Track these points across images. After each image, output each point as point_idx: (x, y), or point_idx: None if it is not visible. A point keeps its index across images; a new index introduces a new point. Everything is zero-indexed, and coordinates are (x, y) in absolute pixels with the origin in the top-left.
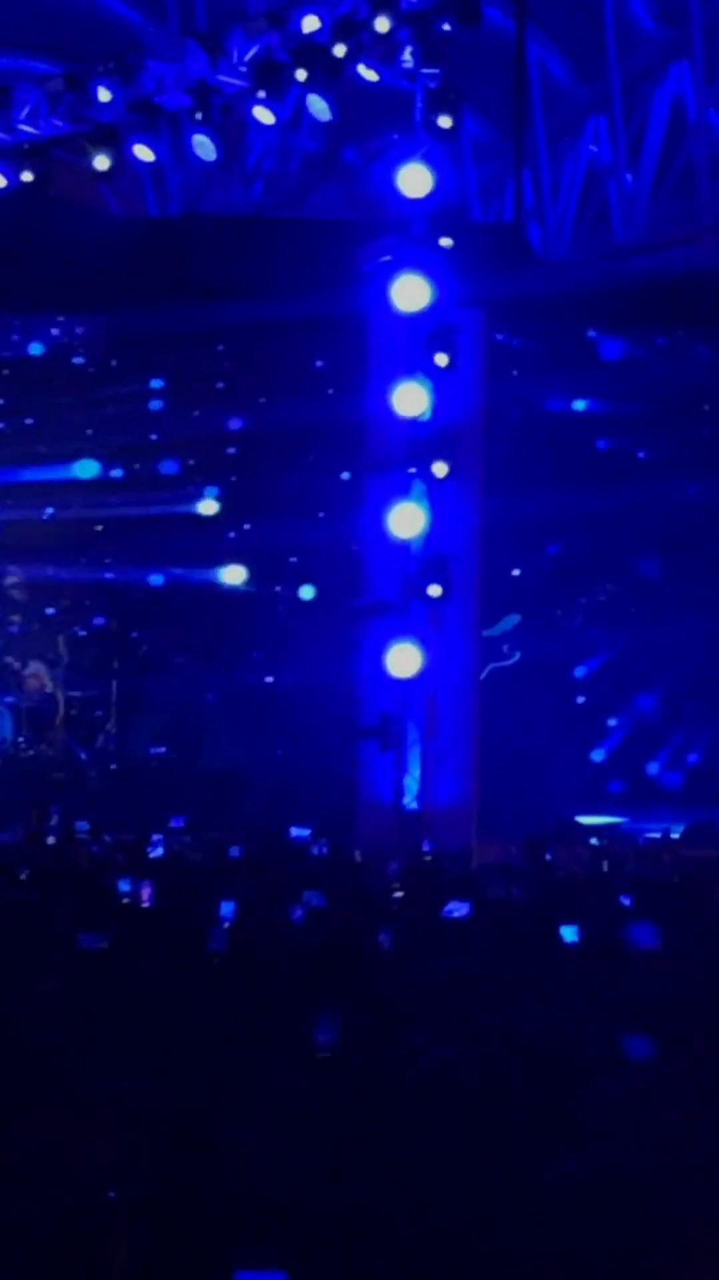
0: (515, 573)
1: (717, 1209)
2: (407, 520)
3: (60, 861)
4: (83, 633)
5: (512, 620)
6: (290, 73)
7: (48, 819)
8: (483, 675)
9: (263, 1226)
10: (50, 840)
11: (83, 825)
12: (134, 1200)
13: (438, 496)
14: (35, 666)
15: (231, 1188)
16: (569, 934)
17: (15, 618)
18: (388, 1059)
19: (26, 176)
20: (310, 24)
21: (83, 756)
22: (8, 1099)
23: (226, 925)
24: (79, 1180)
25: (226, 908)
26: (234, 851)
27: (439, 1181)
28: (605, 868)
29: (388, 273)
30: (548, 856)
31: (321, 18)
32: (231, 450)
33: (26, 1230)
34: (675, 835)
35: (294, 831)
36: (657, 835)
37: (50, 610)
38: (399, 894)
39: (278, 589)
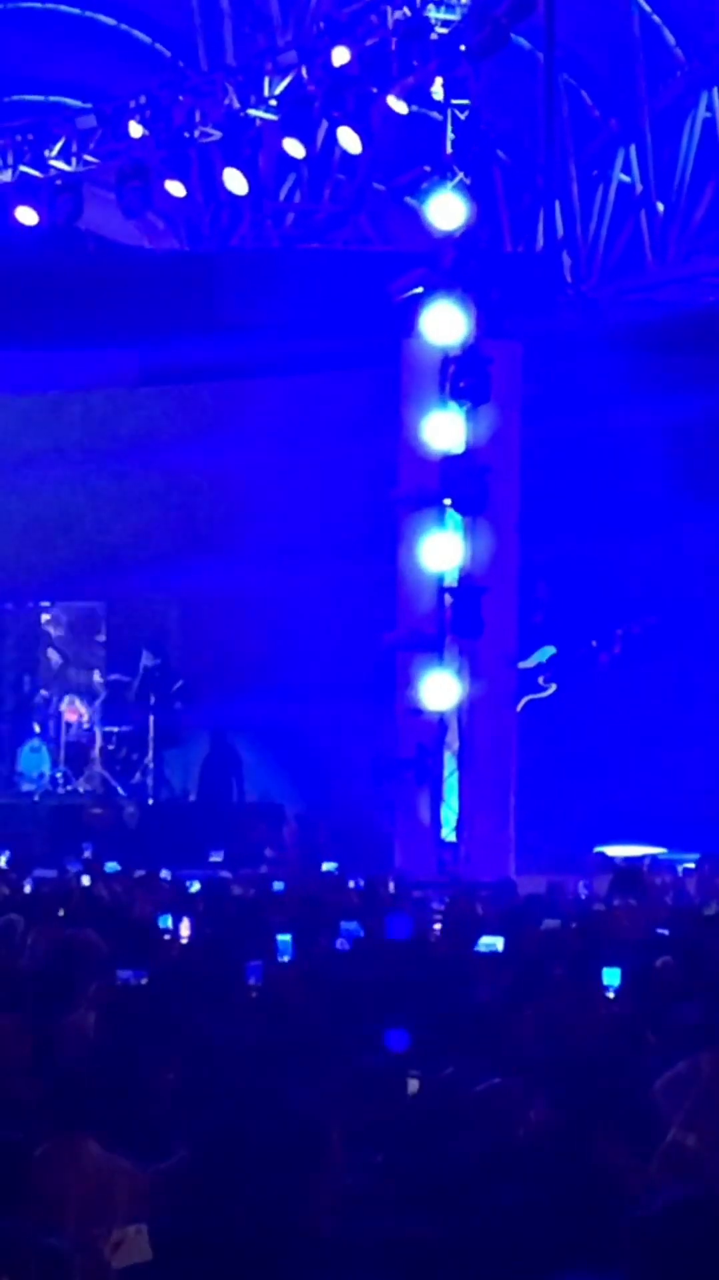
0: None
1: None
2: (440, 553)
3: (89, 898)
4: (120, 670)
5: (547, 652)
6: (320, 106)
7: (80, 855)
8: (519, 707)
9: (307, 1253)
10: (81, 877)
11: (113, 863)
12: (180, 1226)
13: (473, 529)
14: (72, 701)
15: (276, 1217)
16: (612, 978)
17: (53, 653)
18: (430, 1088)
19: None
20: (340, 57)
21: (121, 792)
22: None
23: (285, 959)
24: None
25: (282, 940)
26: (278, 886)
27: (481, 1207)
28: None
29: (419, 305)
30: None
31: (351, 50)
32: (265, 483)
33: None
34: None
35: (323, 866)
36: (692, 865)
37: (87, 645)
38: (439, 926)
39: (314, 622)
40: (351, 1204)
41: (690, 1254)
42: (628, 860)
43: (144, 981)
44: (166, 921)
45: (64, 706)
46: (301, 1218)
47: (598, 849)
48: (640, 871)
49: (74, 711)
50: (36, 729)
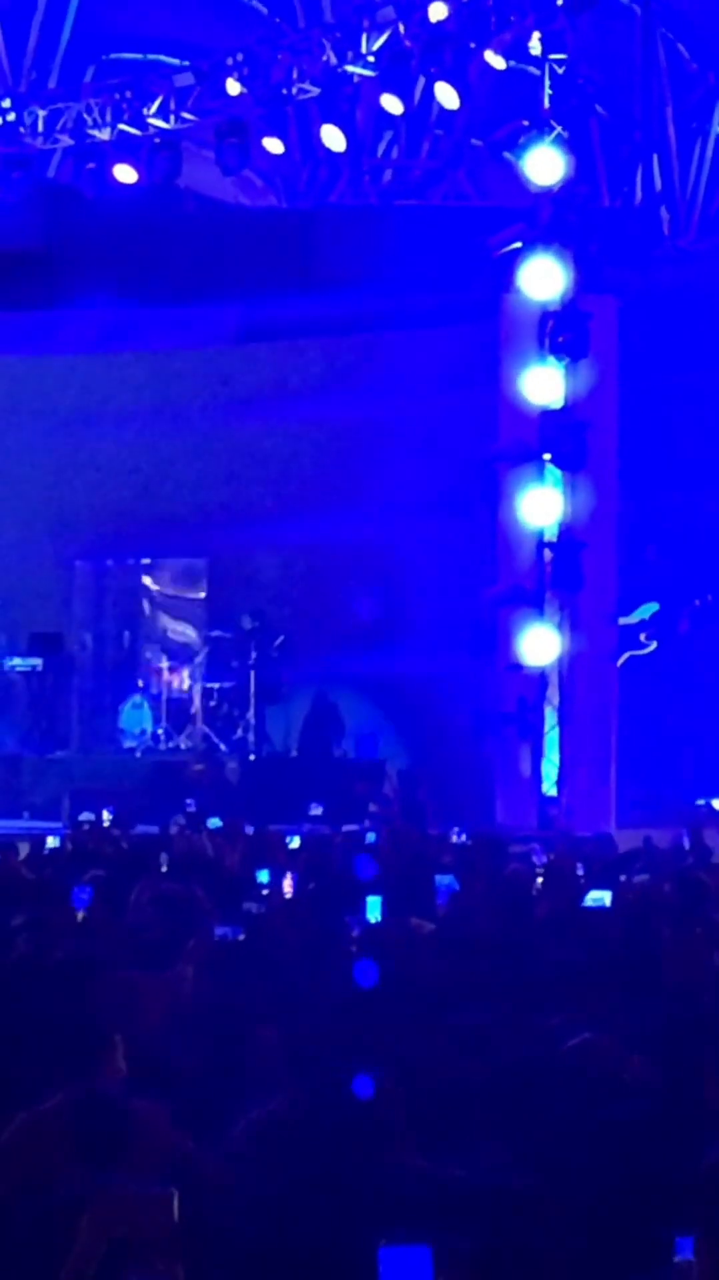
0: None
1: None
2: (540, 508)
3: (191, 853)
4: (220, 626)
5: (649, 608)
6: (418, 62)
7: (183, 811)
8: (619, 663)
9: (402, 1206)
10: (183, 832)
11: (214, 819)
12: (276, 1179)
13: (573, 484)
14: (168, 662)
15: (373, 1167)
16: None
17: (159, 613)
18: (528, 1042)
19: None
20: (437, 12)
21: (222, 748)
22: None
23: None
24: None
25: (371, 901)
26: (371, 838)
27: (578, 1162)
28: None
29: (517, 260)
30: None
31: (449, 6)
32: (364, 439)
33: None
34: None
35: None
36: None
37: (188, 601)
38: (541, 880)
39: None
40: (448, 1155)
41: None
42: (704, 812)
43: (241, 938)
44: (264, 876)
45: (161, 665)
46: (399, 1168)
47: (699, 802)
48: (704, 826)
49: (169, 674)
50: (140, 684)
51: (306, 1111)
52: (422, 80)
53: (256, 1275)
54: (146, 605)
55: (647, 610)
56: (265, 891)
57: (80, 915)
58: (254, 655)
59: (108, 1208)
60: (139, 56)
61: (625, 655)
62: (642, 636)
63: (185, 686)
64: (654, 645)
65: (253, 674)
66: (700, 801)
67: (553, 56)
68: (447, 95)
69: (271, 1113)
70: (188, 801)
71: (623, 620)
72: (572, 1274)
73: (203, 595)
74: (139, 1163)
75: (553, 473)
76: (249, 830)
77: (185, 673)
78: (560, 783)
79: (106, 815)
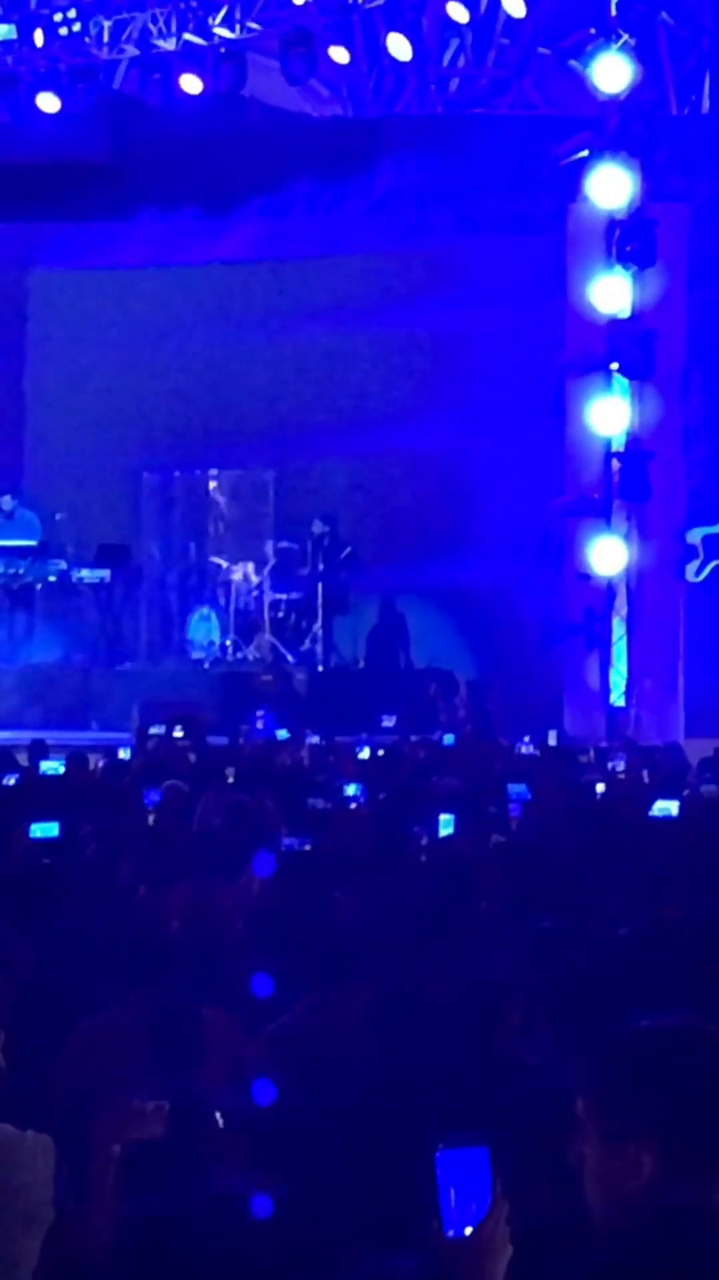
0: None
1: None
2: (608, 418)
3: (260, 764)
4: (288, 538)
5: None
6: None
7: (252, 722)
8: (705, 573)
9: (463, 1106)
10: (248, 742)
11: (283, 730)
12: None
13: (640, 394)
14: (243, 567)
15: (430, 1070)
16: None
17: (219, 521)
18: (584, 946)
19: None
20: None
21: (290, 659)
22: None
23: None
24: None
25: (444, 819)
26: (448, 741)
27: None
28: None
29: (585, 169)
30: None
31: None
32: (431, 350)
33: None
34: None
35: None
36: None
37: (255, 513)
38: (602, 789)
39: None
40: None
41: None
42: None
43: (308, 848)
44: (354, 789)
45: (234, 576)
46: (475, 1078)
47: None
48: None
49: (244, 577)
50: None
51: (377, 1018)
52: None
53: (325, 1181)
54: (213, 517)
55: None
56: (341, 799)
57: (151, 818)
58: (322, 566)
59: (112, 1117)
60: None
61: (711, 564)
62: None
63: (255, 588)
64: None
65: (320, 585)
66: None
67: None
68: (513, 3)
69: (343, 1016)
70: (257, 713)
71: (703, 532)
72: None
73: (270, 507)
74: (210, 1071)
75: (620, 382)
76: (317, 740)
77: (253, 580)
78: (628, 693)
79: (177, 730)
